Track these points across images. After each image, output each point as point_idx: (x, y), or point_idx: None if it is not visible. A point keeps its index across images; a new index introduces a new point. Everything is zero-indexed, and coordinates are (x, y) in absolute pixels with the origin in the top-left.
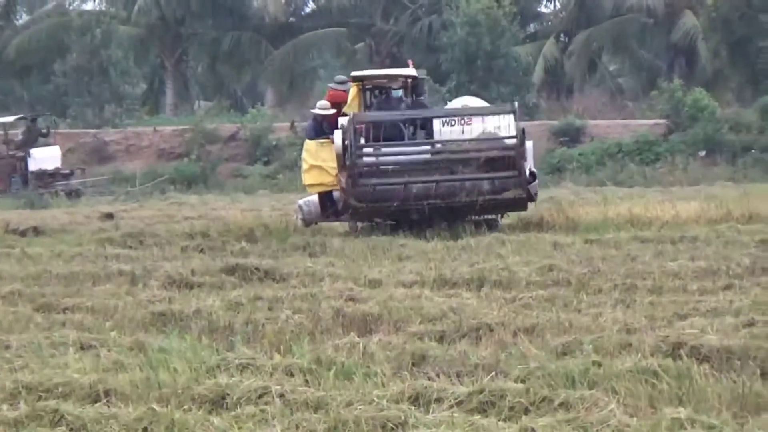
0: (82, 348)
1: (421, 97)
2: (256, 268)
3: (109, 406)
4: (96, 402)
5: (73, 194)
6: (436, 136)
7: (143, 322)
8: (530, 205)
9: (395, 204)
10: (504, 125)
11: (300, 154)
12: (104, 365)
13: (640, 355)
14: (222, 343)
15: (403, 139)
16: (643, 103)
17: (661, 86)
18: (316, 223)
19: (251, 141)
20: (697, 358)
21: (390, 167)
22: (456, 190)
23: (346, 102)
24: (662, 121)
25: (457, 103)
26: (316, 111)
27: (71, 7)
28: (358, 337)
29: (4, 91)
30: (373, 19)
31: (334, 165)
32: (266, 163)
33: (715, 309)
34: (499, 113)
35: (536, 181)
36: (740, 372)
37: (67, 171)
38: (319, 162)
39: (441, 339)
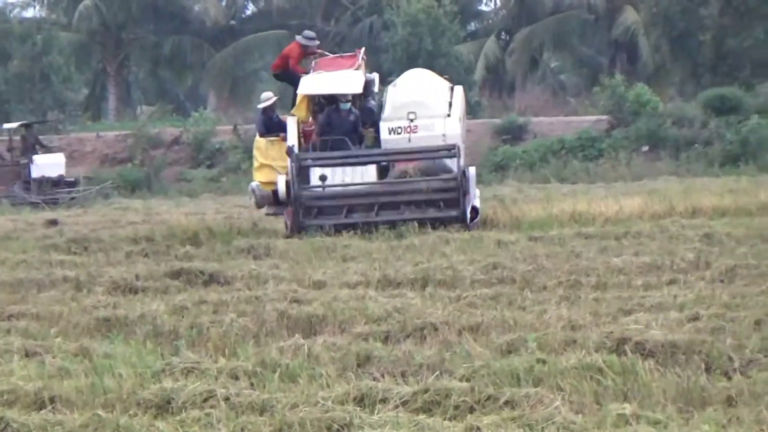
0: (27, 355)
1: (371, 100)
2: (201, 272)
3: (54, 413)
4: (41, 409)
5: (76, 202)
6: (383, 145)
7: (88, 327)
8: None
9: (335, 223)
10: (450, 129)
11: (243, 157)
12: (49, 372)
13: (584, 351)
14: (167, 347)
15: (350, 154)
16: (585, 99)
17: (603, 82)
18: (268, 207)
19: (194, 145)
20: (642, 354)
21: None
22: (396, 223)
23: (297, 56)
24: (604, 117)
25: (408, 74)
26: (261, 105)
27: (12, 15)
28: (303, 338)
29: None
30: (313, 20)
31: (284, 164)
32: (209, 167)
33: (660, 304)
34: (440, 155)
35: (478, 217)
36: (685, 367)
37: (71, 179)
38: (269, 161)
39: (386, 339)
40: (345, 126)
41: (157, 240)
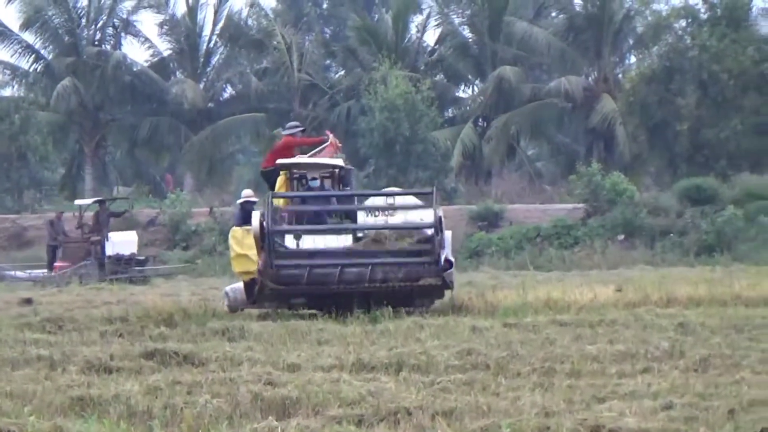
0: None
1: (348, 188)
2: (175, 353)
3: None
4: None
5: (147, 281)
6: (360, 224)
7: (62, 406)
8: (447, 293)
9: (302, 286)
10: (426, 217)
11: (219, 239)
12: None
13: None
14: (140, 427)
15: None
16: (561, 187)
17: (580, 170)
18: (241, 310)
19: (170, 226)
20: None
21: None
22: (368, 276)
23: (301, 145)
24: (581, 205)
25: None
26: (241, 200)
27: None
28: (277, 421)
29: None
30: (291, 104)
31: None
32: (185, 248)
33: (634, 392)
34: (417, 197)
35: (452, 268)
36: None
37: (142, 257)
38: (245, 250)
39: (359, 423)
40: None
41: (131, 320)
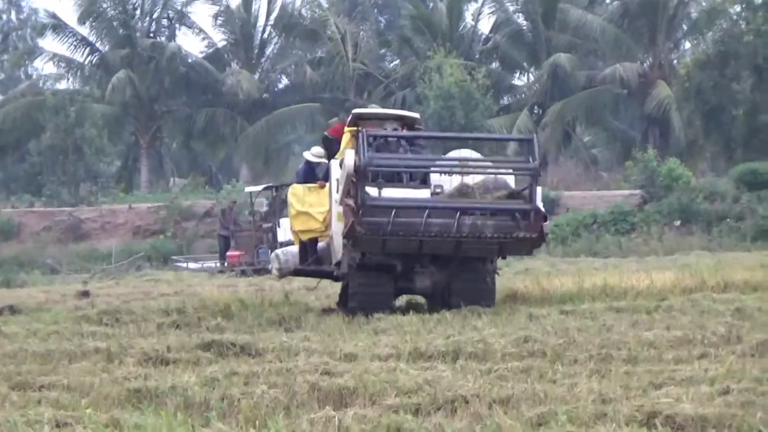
0: (57, 426)
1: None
2: (232, 344)
3: None
4: None
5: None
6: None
7: (119, 398)
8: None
9: (408, 237)
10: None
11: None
12: None
13: (615, 425)
14: (198, 419)
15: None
16: (617, 173)
17: (636, 156)
18: (293, 274)
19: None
20: (673, 427)
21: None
22: (455, 227)
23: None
24: (637, 191)
25: (455, 154)
26: (308, 156)
27: (45, 87)
28: (334, 410)
29: None
30: (347, 94)
31: (322, 210)
32: None
33: (691, 378)
34: (517, 140)
35: (547, 221)
36: None
37: None
38: (306, 208)
39: (416, 412)
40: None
41: (188, 312)
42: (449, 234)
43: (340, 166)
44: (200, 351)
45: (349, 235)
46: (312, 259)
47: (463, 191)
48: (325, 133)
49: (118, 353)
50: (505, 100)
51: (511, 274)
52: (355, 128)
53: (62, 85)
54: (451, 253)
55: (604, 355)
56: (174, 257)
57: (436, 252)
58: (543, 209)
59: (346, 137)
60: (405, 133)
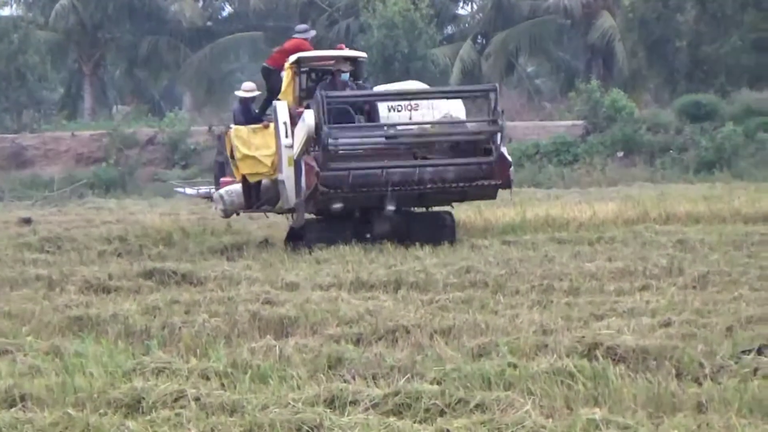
0: None
1: (362, 81)
2: (174, 272)
3: (24, 411)
4: (12, 407)
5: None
6: (383, 121)
7: (60, 326)
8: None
9: (372, 190)
10: (454, 109)
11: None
12: (20, 370)
13: (555, 356)
14: (138, 347)
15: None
16: (560, 104)
17: (579, 87)
18: (237, 214)
19: (169, 145)
20: (613, 359)
21: (363, 150)
22: (434, 176)
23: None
24: (580, 122)
25: (400, 86)
26: (241, 93)
27: None
28: (275, 340)
29: None
30: (289, 22)
31: (269, 153)
32: (184, 167)
33: (632, 310)
34: (479, 94)
35: (512, 167)
36: (656, 372)
37: None
38: (253, 151)
39: (357, 341)
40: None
41: (130, 240)
42: (411, 185)
43: (291, 116)
44: (142, 279)
45: (312, 195)
46: (256, 201)
47: (422, 136)
48: (264, 63)
49: (60, 281)
50: (449, 30)
51: (453, 205)
52: (296, 64)
53: (5, 12)
54: (414, 204)
55: (545, 286)
56: (173, 182)
57: (399, 205)
58: (508, 156)
59: (288, 74)
60: (365, 92)
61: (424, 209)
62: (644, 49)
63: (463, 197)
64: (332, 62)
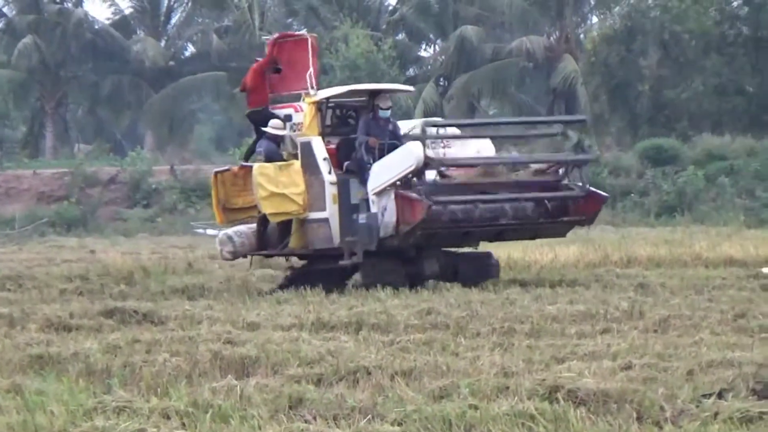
0: None
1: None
2: (135, 311)
3: None
4: None
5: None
6: None
7: (21, 364)
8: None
9: (466, 225)
10: (483, 148)
11: (180, 197)
12: None
13: (517, 398)
14: (99, 386)
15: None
16: (522, 147)
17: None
18: (245, 257)
19: (131, 184)
20: (574, 402)
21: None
22: (527, 211)
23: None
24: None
25: (408, 125)
26: (272, 131)
27: None
28: (236, 379)
29: None
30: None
31: (298, 191)
32: (146, 207)
33: (593, 353)
34: (569, 122)
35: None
36: (617, 415)
37: None
38: (281, 189)
39: (318, 382)
40: (386, 138)
41: (91, 279)
42: (498, 220)
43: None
44: (103, 318)
45: (421, 225)
46: (285, 242)
47: (488, 172)
48: (246, 111)
49: (21, 319)
50: (411, 72)
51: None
52: (316, 99)
53: None
54: (488, 240)
55: (507, 328)
56: (192, 223)
57: (477, 240)
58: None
59: (311, 110)
60: (467, 121)
61: (469, 249)
62: (606, 92)
63: (535, 235)
64: (363, 98)
